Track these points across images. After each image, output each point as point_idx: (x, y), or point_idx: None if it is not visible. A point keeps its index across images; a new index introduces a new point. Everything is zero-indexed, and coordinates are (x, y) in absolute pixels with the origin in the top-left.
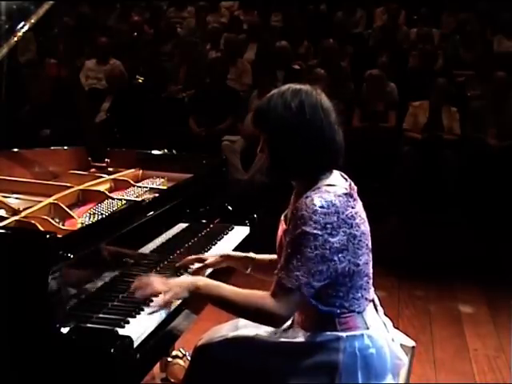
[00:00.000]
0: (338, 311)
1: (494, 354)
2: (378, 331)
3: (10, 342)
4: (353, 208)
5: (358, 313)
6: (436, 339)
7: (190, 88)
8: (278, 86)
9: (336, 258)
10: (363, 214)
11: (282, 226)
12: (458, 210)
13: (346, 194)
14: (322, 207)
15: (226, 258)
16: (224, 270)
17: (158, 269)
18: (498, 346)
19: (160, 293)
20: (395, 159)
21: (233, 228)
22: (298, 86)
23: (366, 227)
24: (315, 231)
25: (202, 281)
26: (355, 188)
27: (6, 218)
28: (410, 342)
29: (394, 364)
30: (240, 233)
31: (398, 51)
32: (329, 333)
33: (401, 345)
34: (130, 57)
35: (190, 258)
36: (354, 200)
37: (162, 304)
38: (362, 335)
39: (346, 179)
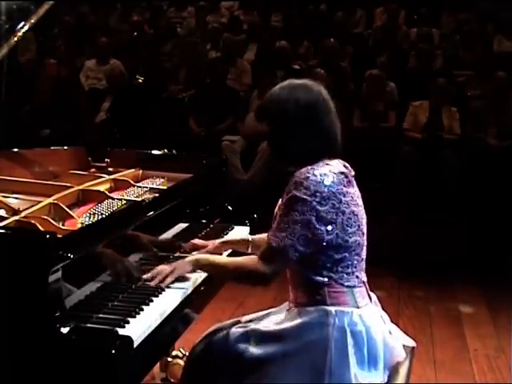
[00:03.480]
0: (327, 280)
1: (494, 354)
2: (368, 314)
3: (10, 342)
4: (345, 187)
5: (348, 287)
6: (436, 339)
7: (190, 88)
8: None
9: (323, 229)
10: (358, 200)
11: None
12: (458, 210)
13: (341, 172)
14: (314, 175)
15: (224, 244)
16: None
17: None
18: (498, 346)
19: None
20: (395, 159)
21: (233, 228)
22: (297, 81)
23: (358, 210)
24: (304, 196)
25: (199, 255)
26: (353, 176)
27: (6, 218)
28: (410, 342)
29: (389, 357)
30: (240, 233)
31: (398, 51)
32: (318, 307)
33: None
34: (130, 57)
35: (194, 243)
36: (349, 182)
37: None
38: (352, 312)
39: (347, 167)
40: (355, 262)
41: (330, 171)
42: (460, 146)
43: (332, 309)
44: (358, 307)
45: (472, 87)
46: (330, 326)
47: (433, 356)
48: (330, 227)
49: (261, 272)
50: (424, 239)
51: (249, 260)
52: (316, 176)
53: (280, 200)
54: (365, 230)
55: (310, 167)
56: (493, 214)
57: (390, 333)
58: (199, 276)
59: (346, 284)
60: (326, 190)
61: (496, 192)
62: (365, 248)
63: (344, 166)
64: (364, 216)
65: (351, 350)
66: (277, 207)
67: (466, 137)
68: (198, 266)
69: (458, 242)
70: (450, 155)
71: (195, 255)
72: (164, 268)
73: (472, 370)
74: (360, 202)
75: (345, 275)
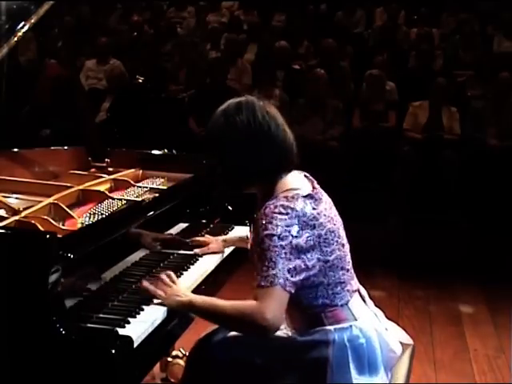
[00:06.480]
0: (322, 308)
1: (494, 354)
2: (366, 322)
3: (10, 342)
4: (314, 209)
5: (342, 305)
6: (436, 339)
7: (190, 88)
8: (278, 86)
9: (304, 257)
10: (330, 211)
11: (251, 234)
12: (458, 210)
13: (305, 196)
14: (280, 213)
15: (226, 242)
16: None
17: (158, 269)
18: (498, 346)
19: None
20: (395, 159)
21: (233, 228)
22: (237, 100)
23: (334, 224)
24: (279, 232)
25: (193, 296)
26: (318, 187)
27: (6, 218)
28: (408, 339)
29: (387, 357)
30: (240, 233)
31: (398, 51)
32: (317, 328)
33: (400, 342)
34: (129, 57)
35: (196, 238)
36: (316, 200)
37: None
38: (351, 326)
39: (308, 178)
40: (343, 277)
41: (292, 200)
42: (460, 146)
43: (331, 327)
44: (356, 319)
45: (472, 87)
46: (330, 344)
47: (433, 356)
48: (308, 254)
49: (259, 316)
50: (424, 239)
51: (245, 303)
52: (282, 213)
53: (251, 241)
54: (344, 239)
55: (270, 205)
56: (493, 214)
57: (386, 329)
58: (199, 276)
59: (340, 303)
60: (296, 221)
61: (496, 192)
62: (348, 256)
63: (305, 176)
64: (340, 223)
65: (352, 364)
66: (249, 246)
67: (466, 137)
68: (189, 308)
69: (458, 242)
70: (450, 155)
71: (189, 296)
72: (152, 289)
73: (472, 370)
74: (332, 212)
75: (336, 295)
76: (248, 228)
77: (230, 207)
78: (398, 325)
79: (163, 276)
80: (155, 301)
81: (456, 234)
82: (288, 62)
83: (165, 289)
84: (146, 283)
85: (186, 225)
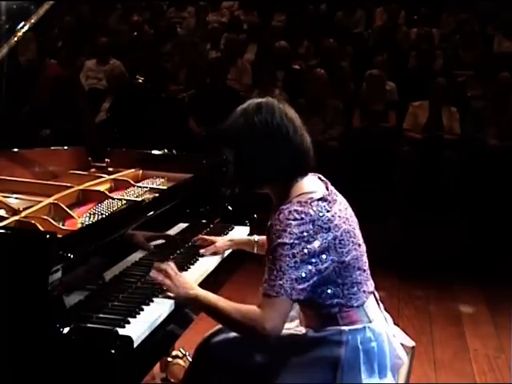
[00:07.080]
0: (338, 309)
1: (494, 354)
2: (379, 325)
3: (10, 342)
4: (328, 211)
5: (358, 307)
6: (436, 339)
7: (190, 88)
8: (278, 86)
9: (317, 260)
10: (345, 212)
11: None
12: (458, 210)
13: (319, 199)
14: (295, 219)
15: (233, 242)
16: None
17: None
18: (498, 346)
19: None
20: (395, 159)
21: (233, 228)
22: (258, 100)
23: (349, 225)
24: (291, 241)
25: (200, 291)
26: (332, 189)
27: (6, 218)
28: (410, 342)
29: (393, 362)
30: (240, 233)
31: (398, 51)
32: (331, 327)
33: (401, 344)
34: (130, 57)
35: (202, 236)
36: (330, 202)
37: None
38: (364, 328)
39: (322, 180)
40: (359, 278)
41: (306, 205)
42: (460, 146)
43: (346, 328)
44: (370, 321)
45: (472, 87)
46: (343, 345)
47: (433, 356)
48: (322, 256)
49: (259, 323)
50: (424, 239)
51: (249, 308)
52: (296, 219)
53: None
54: (360, 239)
55: (285, 210)
56: (492, 213)
57: (394, 336)
58: (199, 276)
59: (355, 304)
60: (311, 226)
61: (496, 192)
62: (365, 256)
63: (319, 178)
64: (355, 223)
65: (363, 367)
66: (265, 251)
67: (466, 137)
68: (194, 302)
69: (458, 242)
70: (450, 155)
71: (196, 290)
72: (161, 279)
73: (472, 369)
74: (348, 212)
75: (352, 296)
76: (248, 228)
77: (230, 207)
78: (398, 325)
79: (169, 268)
80: (155, 299)
81: (456, 233)
82: (288, 61)
83: (174, 278)
84: (155, 273)
85: (186, 225)
